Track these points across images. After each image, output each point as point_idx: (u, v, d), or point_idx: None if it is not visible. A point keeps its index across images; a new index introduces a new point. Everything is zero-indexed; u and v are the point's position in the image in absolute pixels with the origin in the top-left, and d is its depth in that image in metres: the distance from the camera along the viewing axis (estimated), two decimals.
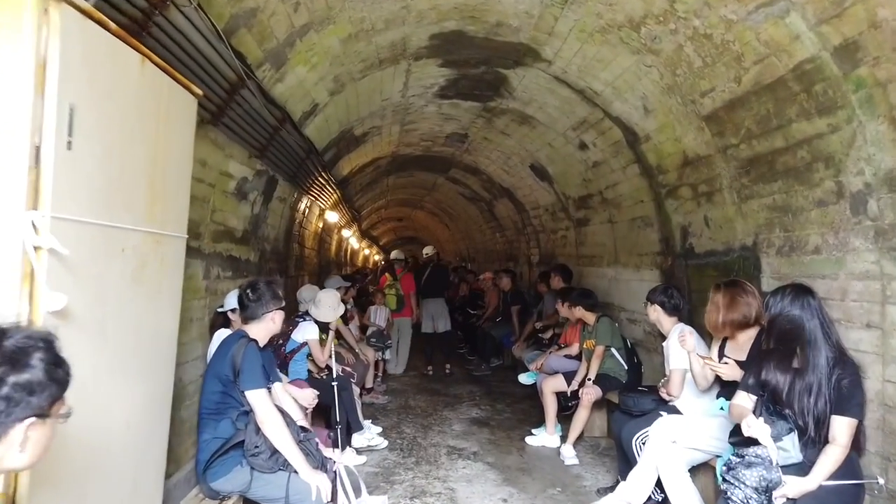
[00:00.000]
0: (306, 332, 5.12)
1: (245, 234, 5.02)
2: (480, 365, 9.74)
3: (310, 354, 5.24)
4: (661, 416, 4.11)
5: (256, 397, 3.06)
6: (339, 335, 7.31)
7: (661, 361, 5.62)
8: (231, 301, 4.07)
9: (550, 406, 5.94)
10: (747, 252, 4.28)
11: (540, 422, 6.15)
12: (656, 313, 4.45)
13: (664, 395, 4.24)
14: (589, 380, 5.55)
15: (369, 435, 5.54)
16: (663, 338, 4.60)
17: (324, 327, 5.28)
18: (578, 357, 6.13)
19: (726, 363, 3.56)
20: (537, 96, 6.26)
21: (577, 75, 5.31)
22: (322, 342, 5.26)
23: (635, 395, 4.54)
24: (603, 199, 6.92)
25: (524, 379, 6.61)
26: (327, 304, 5.20)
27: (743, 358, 3.61)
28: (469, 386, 8.64)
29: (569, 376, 5.89)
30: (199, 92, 2.70)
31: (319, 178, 7.14)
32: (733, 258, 4.47)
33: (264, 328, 3.36)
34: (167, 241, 2.50)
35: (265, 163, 4.92)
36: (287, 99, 4.70)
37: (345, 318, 7.59)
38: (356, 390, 5.93)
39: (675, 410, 4.15)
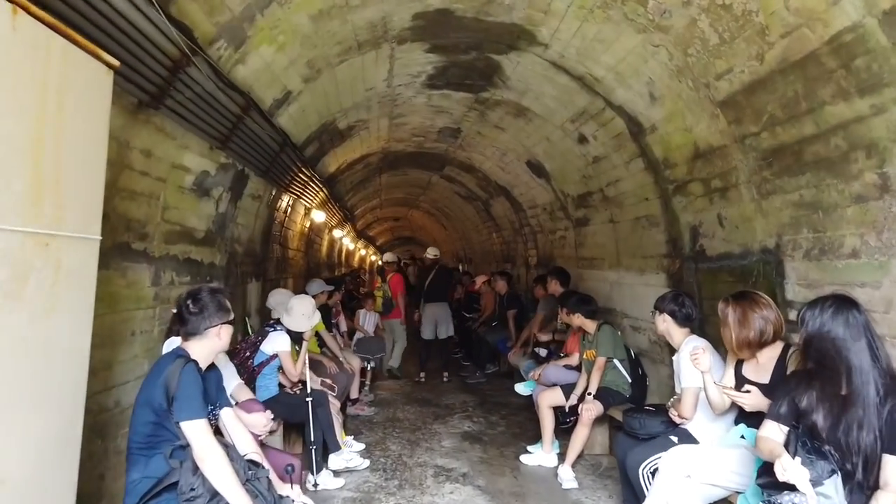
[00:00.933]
0: (276, 343, 4.62)
1: (208, 234, 4.53)
2: (475, 372, 9.25)
3: (281, 367, 4.75)
4: (673, 441, 3.62)
5: (194, 429, 2.56)
6: (322, 342, 6.84)
7: (669, 374, 5.13)
8: None
9: (547, 422, 5.45)
10: (768, 255, 3.79)
11: (537, 436, 5.66)
12: (665, 324, 3.96)
13: (674, 418, 3.75)
14: (589, 394, 5.06)
15: (348, 455, 5.04)
16: (672, 350, 4.12)
17: (297, 338, 4.79)
18: (578, 368, 5.65)
19: (748, 391, 3.07)
20: (533, 85, 5.77)
21: (576, 59, 4.81)
22: (294, 354, 4.77)
23: (641, 415, 4.05)
24: (604, 197, 6.43)
25: (521, 389, 6.13)
26: (300, 311, 4.71)
27: (766, 380, 3.13)
28: (462, 395, 8.14)
29: (567, 389, 5.40)
30: (114, 62, 2.21)
31: (300, 175, 6.65)
32: (752, 262, 3.98)
33: (208, 346, 2.86)
34: (65, 244, 2.00)
35: (230, 155, 4.43)
36: (252, 84, 4.21)
37: (328, 325, 7.12)
38: (336, 404, 5.44)
39: (686, 435, 3.66)
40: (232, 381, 3.63)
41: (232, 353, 4.61)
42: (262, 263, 6.52)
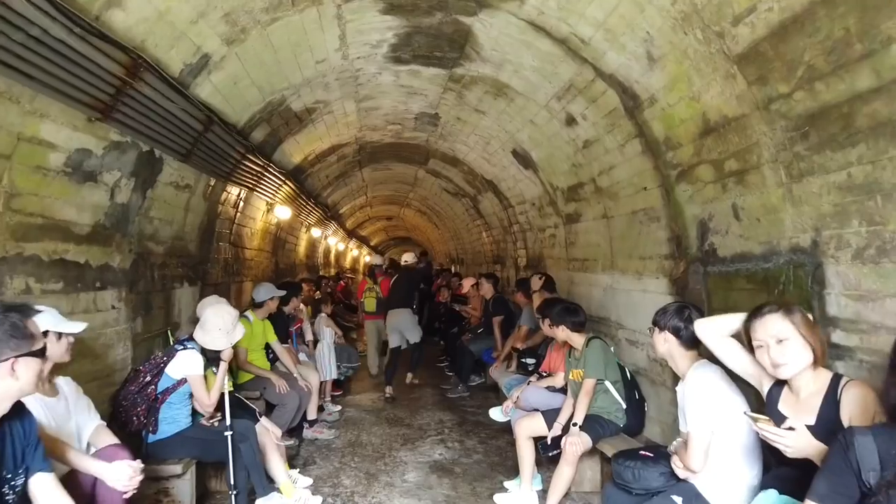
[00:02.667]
0: (185, 365, 3.73)
1: (98, 230, 3.65)
2: (457, 385, 8.33)
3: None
4: (675, 503, 2.73)
5: None
6: (273, 356, 5.97)
7: (672, 398, 4.22)
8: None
9: (526, 455, 4.55)
10: (802, 256, 2.90)
11: (517, 467, 4.76)
12: (668, 345, 3.05)
13: (678, 470, 2.85)
14: (575, 424, 4.16)
15: (280, 500, 4.15)
16: (676, 380, 3.22)
17: (213, 358, 3.90)
18: (564, 390, 4.76)
19: (791, 429, 2.18)
20: (511, 54, 4.88)
21: (558, 16, 3.92)
22: (212, 377, 3.88)
23: (635, 463, 3.14)
24: (596, 189, 5.54)
25: (496, 415, 5.23)
26: (216, 325, 3.82)
27: (810, 420, 2.24)
28: (439, 413, 7.24)
29: (550, 415, 4.51)
30: None
31: (247, 163, 5.76)
32: (778, 266, 3.09)
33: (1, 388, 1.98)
34: None
35: (124, 131, 3.54)
36: (144, 39, 3.32)
37: (283, 335, 6.24)
38: (276, 433, 4.56)
39: (694, 495, 2.76)
40: (89, 423, 2.75)
41: (129, 378, 3.74)
42: (203, 265, 5.64)
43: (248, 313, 5.75)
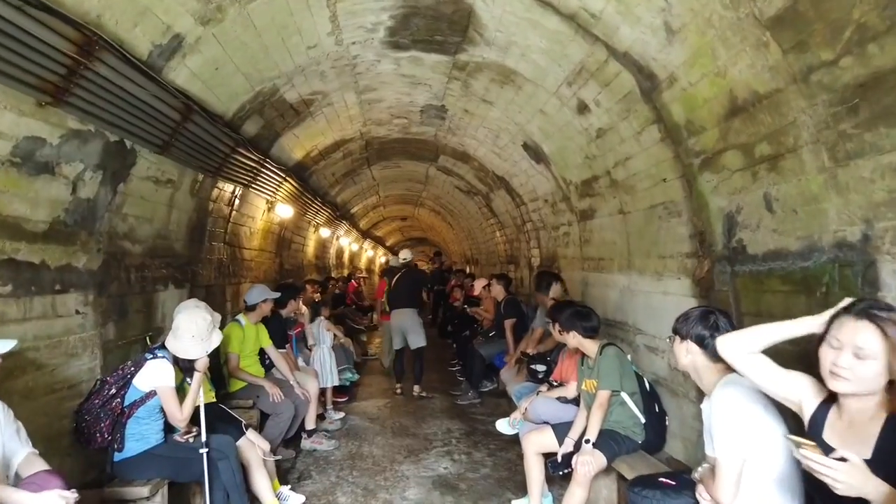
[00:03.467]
0: (154, 376, 3.39)
1: (58, 227, 3.33)
2: (468, 391, 7.93)
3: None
4: None
5: None
6: (268, 362, 5.64)
7: (696, 412, 3.80)
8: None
9: (535, 473, 4.17)
10: (849, 252, 2.47)
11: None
12: (691, 356, 2.64)
13: (704, 502, 2.43)
14: (587, 441, 3.75)
15: None
16: (701, 393, 2.81)
17: (186, 367, 3.55)
18: (576, 401, 4.35)
19: (843, 460, 1.75)
20: (517, 35, 4.48)
21: None
22: (181, 390, 3.53)
23: (654, 492, 2.74)
24: (611, 182, 5.11)
25: (503, 428, 4.82)
26: (189, 332, 3.46)
27: (866, 453, 1.83)
28: (447, 421, 6.85)
29: (561, 430, 4.12)
30: None
31: (238, 158, 5.43)
32: (820, 263, 2.66)
33: None
34: None
35: (86, 118, 3.21)
36: (99, 14, 2.99)
37: (280, 340, 5.91)
38: (263, 447, 4.22)
39: None
40: (19, 451, 2.41)
41: (94, 390, 3.41)
42: (190, 266, 5.32)
43: (241, 317, 5.43)
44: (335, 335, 7.12)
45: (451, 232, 18.69)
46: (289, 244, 9.64)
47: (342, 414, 6.90)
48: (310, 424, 5.80)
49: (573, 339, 4.10)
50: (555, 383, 4.68)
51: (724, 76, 3.03)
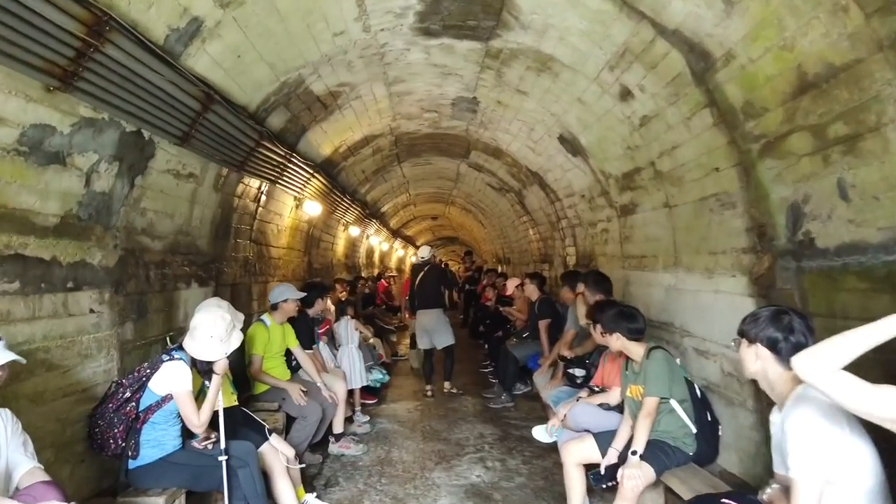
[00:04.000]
0: (170, 379, 3.20)
1: (71, 221, 3.16)
2: (500, 394, 7.65)
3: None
4: None
5: None
6: (294, 364, 5.45)
7: (753, 422, 3.49)
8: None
9: (575, 485, 3.88)
10: None
11: (566, 495, 4.08)
12: (761, 361, 2.33)
13: None
14: (634, 453, 3.45)
15: None
16: (761, 401, 2.50)
17: (205, 370, 3.35)
18: (620, 408, 4.05)
19: None
20: (555, 17, 4.19)
21: None
22: (202, 394, 3.33)
23: None
24: (656, 174, 4.79)
25: (540, 435, 4.53)
26: (207, 332, 3.26)
27: None
28: (480, 426, 6.58)
29: (604, 439, 3.82)
30: None
31: (264, 151, 5.24)
32: None
33: None
34: None
35: (98, 105, 3.03)
36: None
37: (308, 341, 5.72)
38: (287, 454, 4.01)
39: None
40: (22, 464, 2.22)
41: (109, 393, 3.23)
42: (214, 263, 5.15)
43: (266, 317, 5.25)
44: (362, 334, 6.89)
45: (482, 231, 18.41)
46: (317, 242, 9.48)
47: (368, 417, 6.67)
48: (338, 428, 5.59)
49: (617, 341, 3.79)
50: (596, 389, 4.38)
51: (792, 49, 2.71)
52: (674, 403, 3.61)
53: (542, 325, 7.23)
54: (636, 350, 3.75)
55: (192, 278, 4.69)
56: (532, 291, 7.70)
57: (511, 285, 9.17)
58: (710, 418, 3.76)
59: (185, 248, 4.54)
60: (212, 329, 3.25)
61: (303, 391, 5.01)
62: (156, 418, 3.19)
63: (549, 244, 9.99)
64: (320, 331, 6.33)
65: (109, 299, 3.49)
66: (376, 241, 16.64)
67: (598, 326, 4.13)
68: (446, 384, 7.99)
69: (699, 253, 4.27)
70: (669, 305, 4.82)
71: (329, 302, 7.45)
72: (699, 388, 3.83)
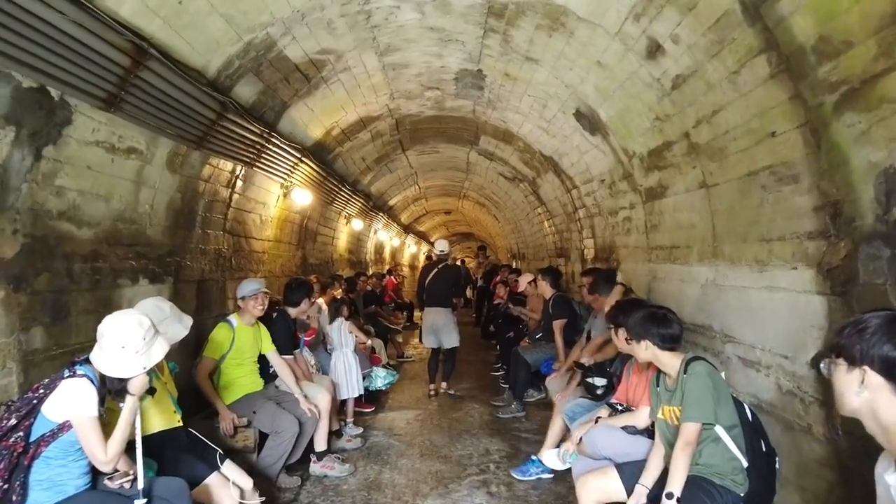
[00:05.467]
0: (69, 401, 2.47)
1: None
2: (510, 402, 6.88)
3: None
4: None
5: None
6: (269, 373, 4.75)
7: (825, 456, 2.71)
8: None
9: None
10: None
11: None
12: (872, 393, 1.54)
13: None
14: (670, 496, 2.68)
15: None
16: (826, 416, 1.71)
17: (117, 390, 2.62)
18: (649, 433, 3.28)
19: None
20: None
21: None
22: (106, 418, 2.60)
23: None
24: (690, 148, 4.00)
25: (551, 461, 3.79)
26: (117, 342, 2.53)
27: None
28: (486, 439, 5.82)
29: (630, 472, 3.06)
30: None
31: (230, 126, 4.53)
32: None
33: None
34: None
35: None
36: None
37: (286, 345, 5.01)
38: (244, 486, 3.30)
39: None
40: None
41: None
42: (172, 257, 4.45)
43: (233, 317, 4.55)
44: (357, 337, 6.17)
45: (496, 225, 17.63)
46: (313, 236, 8.78)
47: (360, 429, 5.95)
48: (320, 445, 4.87)
49: (646, 350, 3.02)
50: (619, 407, 3.59)
51: None
52: (720, 430, 2.82)
53: (557, 325, 6.46)
54: (670, 362, 2.97)
55: (141, 273, 3.99)
56: (545, 288, 6.93)
57: (523, 281, 8.39)
58: (764, 448, 2.97)
59: (129, 238, 3.84)
60: (123, 337, 2.52)
61: (236, 421, 4.36)
62: (51, 452, 2.47)
63: (565, 237, 9.19)
64: (306, 338, 5.61)
65: (5, 298, 2.79)
66: (385, 236, 15.94)
67: (621, 331, 3.36)
68: (443, 385, 7.61)
69: (746, 241, 3.48)
70: (707, 305, 4.02)
71: (322, 302, 6.75)
72: (749, 409, 3.04)
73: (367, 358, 6.70)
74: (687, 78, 3.62)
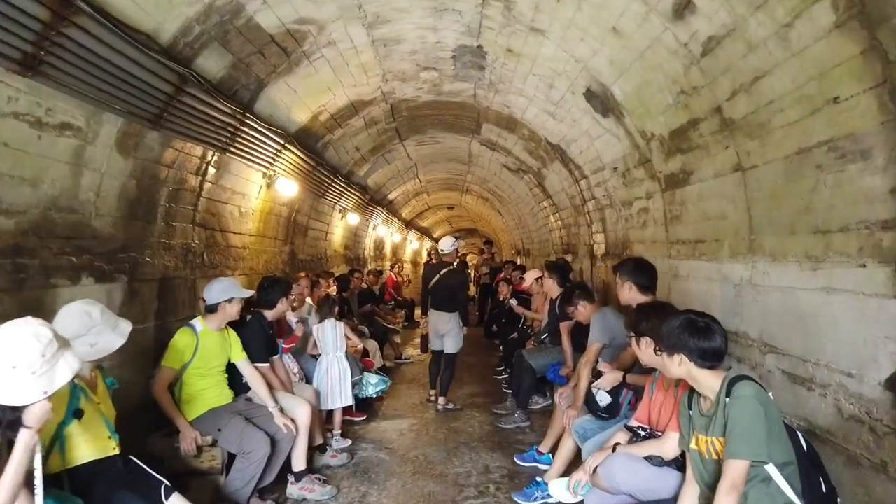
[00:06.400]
0: None
1: None
2: (514, 411, 6.30)
3: None
4: None
5: None
6: (241, 384, 4.23)
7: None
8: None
9: None
10: None
11: None
12: None
13: None
14: None
15: None
16: None
17: (9, 420, 2.06)
18: (678, 464, 2.72)
19: None
20: None
21: None
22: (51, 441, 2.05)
23: None
24: (723, 124, 3.42)
25: (559, 493, 3.21)
26: (7, 361, 1.96)
27: None
28: (486, 454, 5.26)
29: None
30: None
31: (192, 103, 3.97)
32: None
33: None
34: None
35: None
36: None
37: (260, 351, 4.48)
38: None
39: None
40: None
41: None
42: (127, 252, 3.89)
43: (197, 321, 4.00)
44: (349, 340, 5.62)
45: (500, 220, 17.05)
46: (304, 230, 8.22)
47: (348, 442, 5.40)
48: (298, 464, 4.31)
49: (679, 366, 2.45)
50: (642, 432, 3.01)
51: None
52: (772, 469, 2.26)
53: (565, 327, 5.91)
54: (708, 382, 2.41)
55: (84, 271, 3.44)
56: (552, 287, 6.36)
57: (530, 277, 7.80)
58: (824, 488, 2.40)
59: (66, 230, 3.28)
60: (14, 355, 1.97)
61: (199, 440, 3.82)
62: None
63: (572, 232, 8.61)
64: (285, 345, 5.07)
65: None
66: (385, 231, 15.39)
67: (645, 341, 2.80)
68: (441, 399, 6.87)
69: (795, 233, 2.90)
70: (742, 308, 3.45)
71: (310, 300, 6.20)
72: (804, 438, 2.48)
73: (358, 363, 6.13)
74: (722, 40, 3.05)
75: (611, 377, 3.76)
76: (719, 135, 3.49)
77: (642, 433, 2.92)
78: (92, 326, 2.69)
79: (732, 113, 3.27)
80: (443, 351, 7.00)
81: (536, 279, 7.61)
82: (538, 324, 7.42)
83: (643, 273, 3.80)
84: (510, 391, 7.30)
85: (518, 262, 13.35)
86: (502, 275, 11.73)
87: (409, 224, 19.49)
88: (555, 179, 8.22)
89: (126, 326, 2.84)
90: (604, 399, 3.76)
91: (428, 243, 25.67)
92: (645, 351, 2.85)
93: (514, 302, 7.91)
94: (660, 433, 2.87)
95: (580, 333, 5.97)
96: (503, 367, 8.58)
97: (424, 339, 7.91)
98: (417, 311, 13.52)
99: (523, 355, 6.42)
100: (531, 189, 10.14)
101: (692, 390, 2.55)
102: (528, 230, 13.20)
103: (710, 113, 3.49)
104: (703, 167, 3.83)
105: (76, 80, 2.91)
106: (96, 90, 3.08)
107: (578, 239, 8.21)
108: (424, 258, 22.71)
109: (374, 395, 6.30)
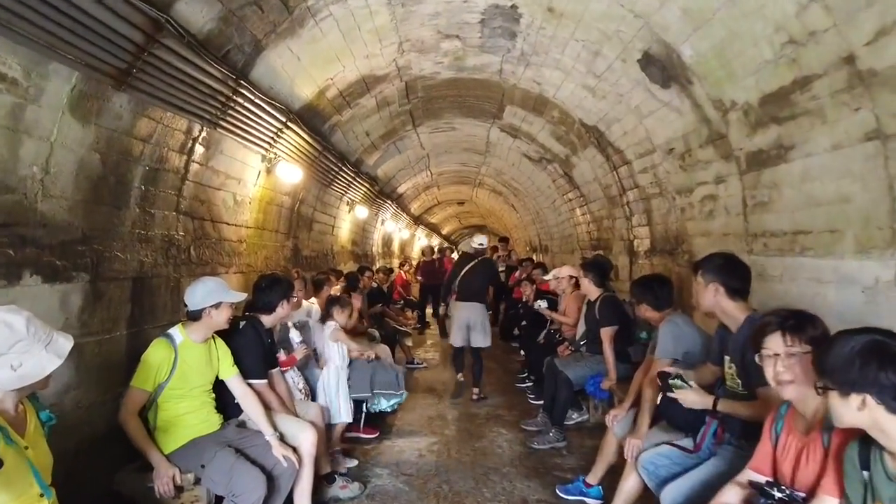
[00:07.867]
0: None
1: None
2: (548, 429, 5.50)
3: None
4: None
5: None
6: (229, 405, 3.44)
7: None
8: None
9: None
10: None
11: None
12: None
13: None
14: None
15: None
16: None
17: None
18: None
19: None
20: None
21: None
22: None
23: None
24: (852, 80, 2.62)
25: None
26: None
27: None
28: (520, 483, 4.48)
29: None
30: None
31: (169, 59, 3.20)
32: None
33: None
34: None
35: None
36: None
37: (260, 365, 3.72)
38: None
39: None
40: None
41: None
42: (88, 245, 3.12)
43: (176, 330, 3.23)
44: (350, 349, 4.87)
45: (513, 216, 16.25)
46: (308, 223, 7.45)
47: (355, 462, 4.66)
48: (303, 499, 3.55)
49: (859, 412, 1.65)
50: (777, 492, 2.17)
51: None
52: None
53: (606, 334, 5.17)
54: (851, 415, 1.63)
55: (27, 268, 2.67)
56: (590, 288, 5.57)
57: (564, 273, 6.87)
58: None
59: (10, 217, 2.52)
60: None
61: (177, 478, 3.04)
62: None
63: (604, 226, 7.81)
64: (282, 366, 4.30)
65: None
66: (394, 227, 14.63)
67: (787, 374, 2.00)
68: (474, 390, 6.89)
69: None
70: (879, 320, 2.65)
71: (315, 305, 5.44)
72: None
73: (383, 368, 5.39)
74: None
75: (694, 396, 2.96)
76: (845, 94, 2.69)
77: (778, 494, 2.10)
78: (15, 342, 1.93)
79: (873, 62, 2.48)
80: (463, 348, 6.90)
81: (571, 278, 6.79)
82: (567, 328, 6.63)
83: (734, 273, 2.99)
84: (537, 401, 6.54)
85: (536, 260, 12.53)
86: (519, 273, 10.94)
87: (417, 220, 18.76)
88: (586, 168, 7.43)
89: (65, 343, 2.07)
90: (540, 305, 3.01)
91: (436, 239, 24.89)
92: (787, 388, 2.06)
93: (542, 303, 7.09)
94: (801, 495, 2.07)
95: (625, 340, 5.23)
96: (526, 375, 7.79)
97: (442, 323, 7.89)
98: (428, 311, 12.75)
99: (556, 365, 5.64)
100: (554, 180, 9.36)
101: (865, 441, 1.77)
102: (546, 225, 12.40)
103: (833, 65, 2.70)
104: (813, 138, 3.03)
105: (5, 13, 2.14)
106: (36, 28, 2.32)
107: (612, 233, 7.41)
108: (420, 257, 21.92)
109: (389, 409, 5.55)
